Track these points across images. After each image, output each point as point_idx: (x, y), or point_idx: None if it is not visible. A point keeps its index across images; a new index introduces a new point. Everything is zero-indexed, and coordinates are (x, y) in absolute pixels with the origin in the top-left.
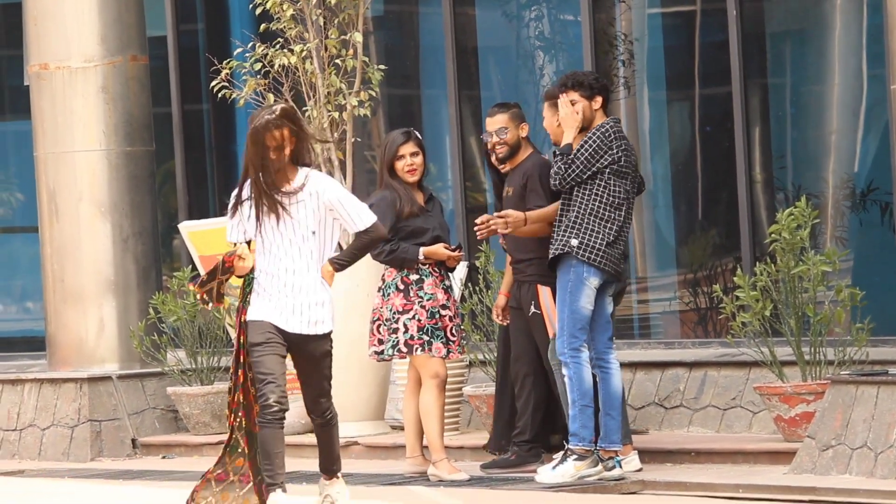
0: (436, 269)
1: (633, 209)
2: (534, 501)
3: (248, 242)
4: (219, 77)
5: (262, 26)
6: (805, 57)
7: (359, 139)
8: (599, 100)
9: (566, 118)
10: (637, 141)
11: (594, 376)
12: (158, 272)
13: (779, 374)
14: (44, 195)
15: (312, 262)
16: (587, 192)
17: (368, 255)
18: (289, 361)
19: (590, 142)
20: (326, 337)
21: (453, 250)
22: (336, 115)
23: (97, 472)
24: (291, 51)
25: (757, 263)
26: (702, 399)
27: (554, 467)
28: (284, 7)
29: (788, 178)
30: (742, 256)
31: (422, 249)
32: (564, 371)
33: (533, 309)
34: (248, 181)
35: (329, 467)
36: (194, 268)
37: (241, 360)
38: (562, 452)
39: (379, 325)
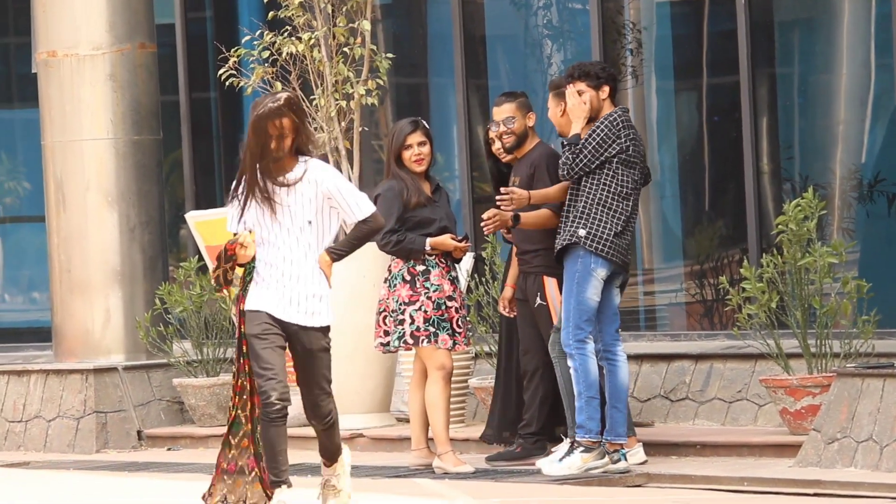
0: (442, 259)
1: (640, 200)
2: (539, 494)
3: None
4: (227, 65)
5: (271, 14)
6: (813, 46)
7: (366, 128)
8: (607, 89)
9: (574, 109)
10: (644, 131)
11: (600, 368)
12: (165, 262)
13: (785, 366)
14: (51, 184)
15: (310, 251)
16: (595, 182)
17: (375, 246)
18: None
19: (598, 131)
20: (324, 332)
21: (460, 241)
22: (344, 103)
23: (102, 463)
24: (299, 39)
25: (763, 255)
26: (707, 392)
27: (560, 459)
28: None
29: (796, 168)
30: (749, 248)
31: (428, 240)
32: (570, 363)
33: (539, 300)
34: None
35: (329, 456)
36: (201, 258)
37: (245, 350)
38: (561, 445)
39: (385, 317)
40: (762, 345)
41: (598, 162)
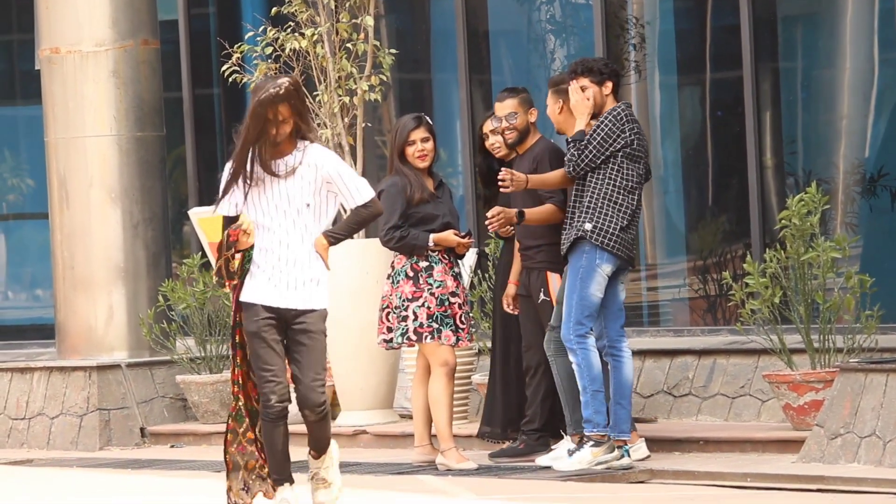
0: (445, 256)
1: (643, 195)
2: (542, 490)
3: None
4: (230, 61)
5: (274, 10)
6: (816, 41)
7: (369, 124)
8: (610, 85)
9: (577, 105)
10: (648, 126)
11: (604, 364)
12: (168, 259)
13: (788, 361)
14: (54, 181)
15: (307, 234)
16: (601, 177)
17: (378, 243)
18: None
19: (602, 126)
20: (321, 314)
21: (463, 237)
22: (347, 99)
23: (106, 461)
24: (302, 34)
25: (767, 250)
26: (710, 387)
27: (571, 454)
28: None
29: (799, 163)
30: (752, 243)
31: (432, 236)
32: (572, 358)
33: (542, 296)
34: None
35: (320, 448)
36: (204, 255)
37: (238, 340)
38: (561, 442)
39: (388, 313)
40: (765, 340)
41: (603, 157)
